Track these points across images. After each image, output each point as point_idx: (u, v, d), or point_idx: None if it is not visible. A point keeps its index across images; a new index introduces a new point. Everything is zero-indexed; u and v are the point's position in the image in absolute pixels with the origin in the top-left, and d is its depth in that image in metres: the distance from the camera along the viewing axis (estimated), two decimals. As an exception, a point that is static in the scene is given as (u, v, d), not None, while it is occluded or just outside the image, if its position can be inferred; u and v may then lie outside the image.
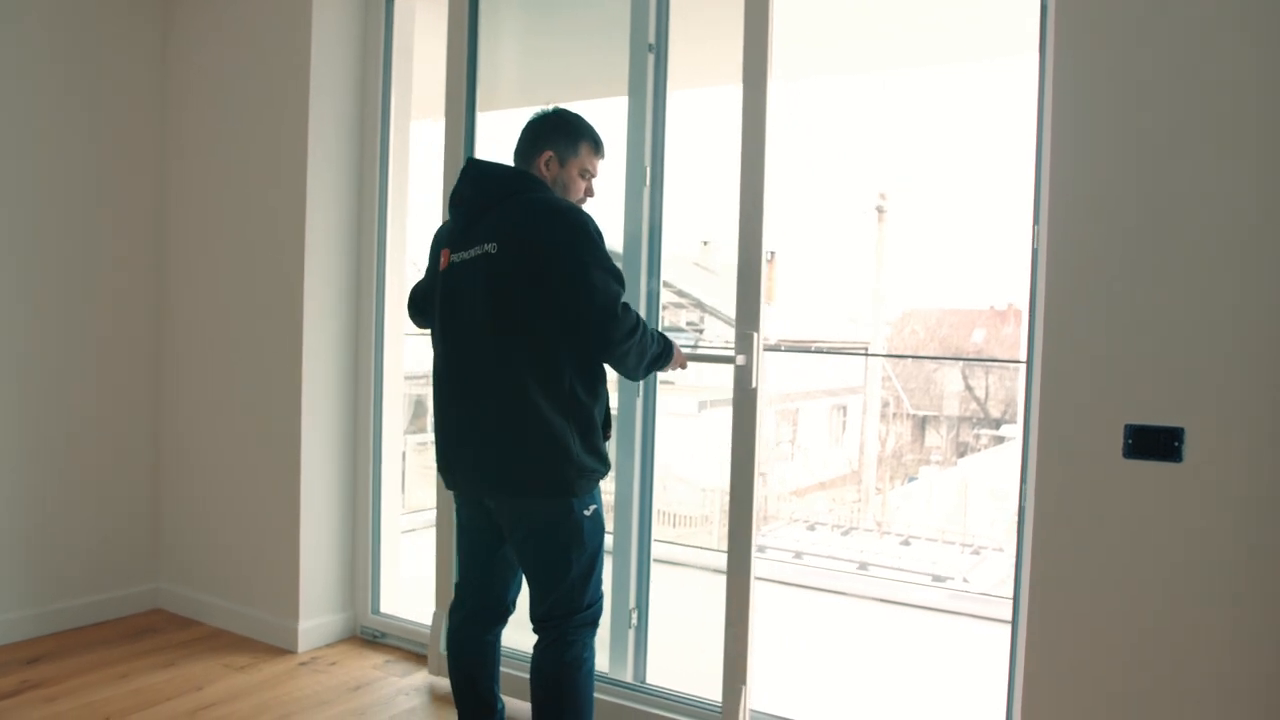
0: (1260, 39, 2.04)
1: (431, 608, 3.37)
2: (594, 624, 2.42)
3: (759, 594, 2.82)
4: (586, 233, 2.25)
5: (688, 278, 14.66)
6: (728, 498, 2.85)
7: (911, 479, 15.89)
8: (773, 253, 15.45)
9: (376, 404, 3.66)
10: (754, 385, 2.69)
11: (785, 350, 14.29)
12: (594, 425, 2.34)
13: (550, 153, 2.42)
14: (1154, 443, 2.16)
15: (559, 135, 2.43)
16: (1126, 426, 2.18)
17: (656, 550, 3.17)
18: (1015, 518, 2.50)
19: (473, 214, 2.35)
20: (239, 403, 3.73)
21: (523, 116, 2.51)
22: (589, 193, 2.51)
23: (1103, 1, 2.19)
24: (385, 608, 3.71)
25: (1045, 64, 2.33)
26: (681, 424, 13.94)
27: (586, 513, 2.35)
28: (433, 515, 6.54)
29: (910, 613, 5.20)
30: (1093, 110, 2.21)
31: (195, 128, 3.86)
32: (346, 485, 3.70)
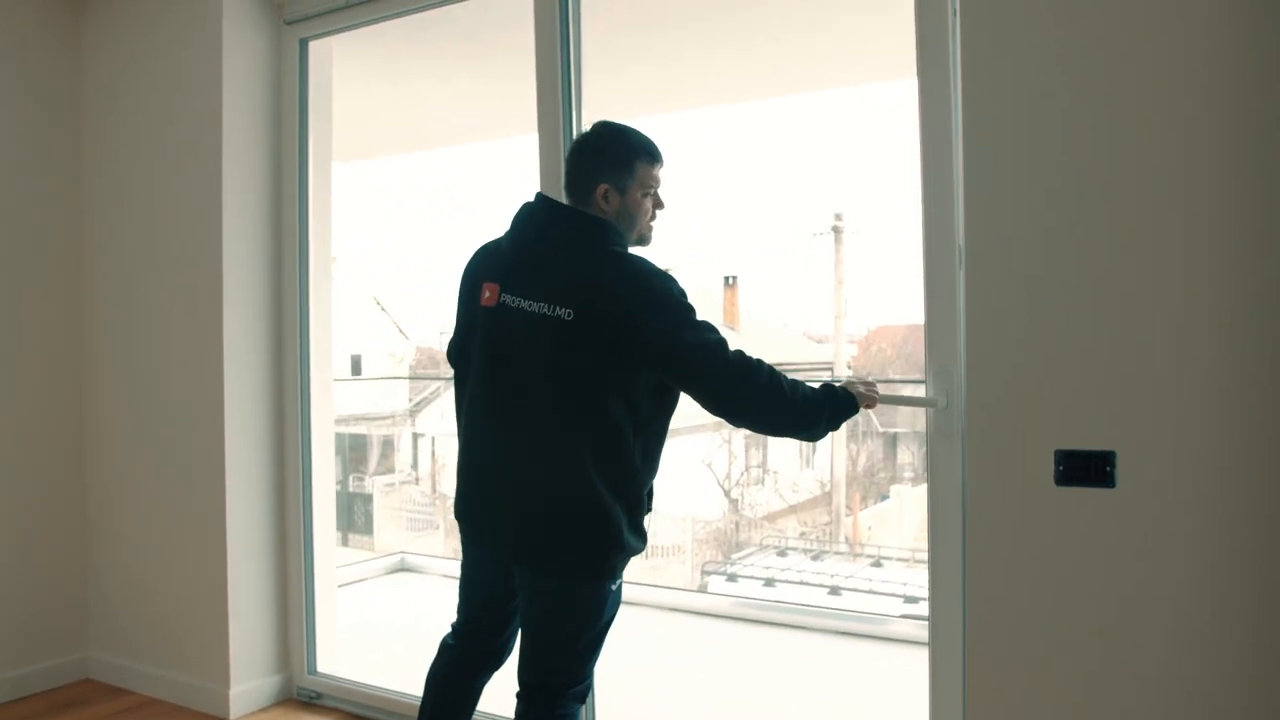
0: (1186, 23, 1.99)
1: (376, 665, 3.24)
2: (583, 698, 2.26)
3: (732, 635, 2.69)
4: (670, 297, 2.06)
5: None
6: (699, 526, 2.68)
7: (884, 497, 15.86)
8: (734, 278, 15.45)
9: (305, 453, 3.54)
10: (958, 429, 2.28)
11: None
12: (642, 501, 2.16)
13: (605, 185, 2.17)
14: (1085, 468, 2.09)
15: (607, 162, 2.18)
16: (1057, 452, 2.11)
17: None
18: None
19: (534, 258, 2.16)
20: (162, 457, 3.60)
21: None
22: (658, 206, 2.26)
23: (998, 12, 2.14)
24: (323, 666, 3.57)
25: (954, 77, 2.27)
26: (651, 452, 13.87)
27: (613, 587, 2.19)
28: (403, 559, 6.48)
29: (880, 648, 5.09)
30: (1000, 116, 2.15)
31: (110, 167, 3.75)
32: (275, 540, 3.57)
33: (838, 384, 2.24)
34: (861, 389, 2.25)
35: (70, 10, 3.80)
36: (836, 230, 12.92)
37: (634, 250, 2.22)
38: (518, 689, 2.24)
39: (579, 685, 2.23)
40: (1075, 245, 2.07)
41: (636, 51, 4.14)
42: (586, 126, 2.41)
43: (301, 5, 3.42)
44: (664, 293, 2.06)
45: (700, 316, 2.08)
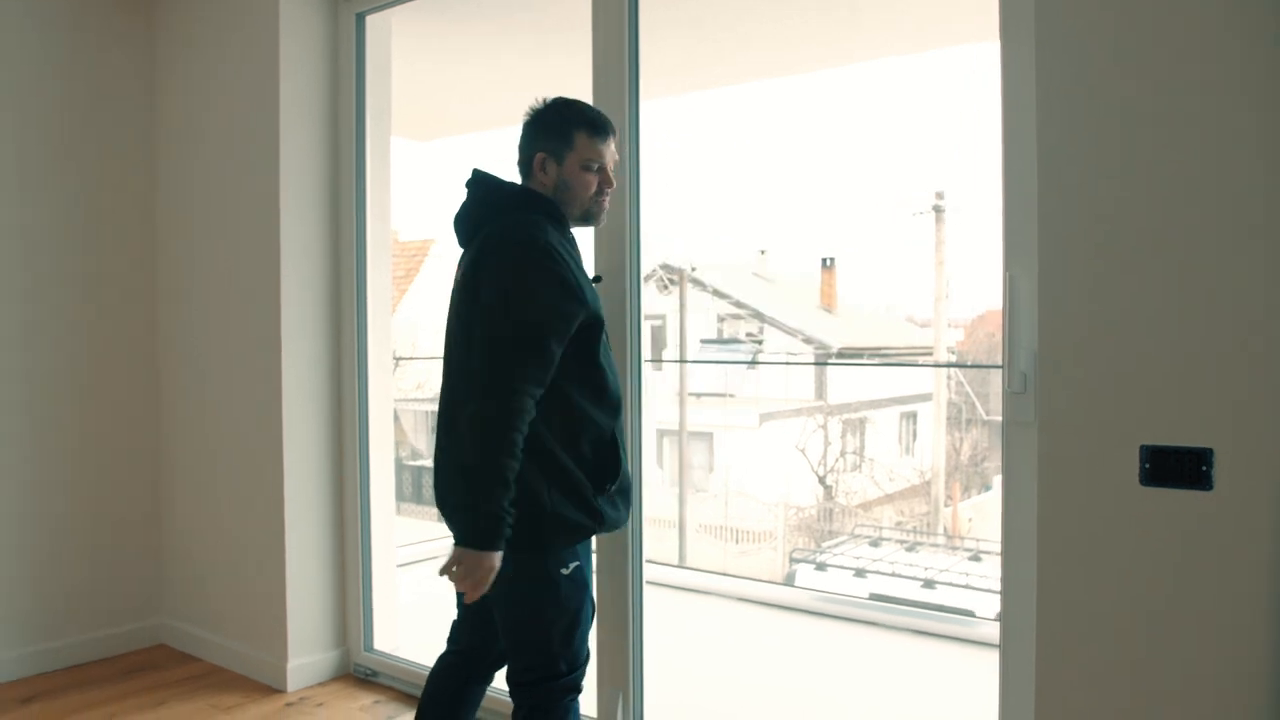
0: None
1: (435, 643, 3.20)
2: (574, 690, 2.17)
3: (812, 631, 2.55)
4: (502, 277, 1.98)
5: (746, 288, 14.42)
6: (791, 513, 2.54)
7: (986, 488, 15.37)
8: (832, 260, 15.12)
9: (362, 432, 3.52)
10: (1034, 418, 2.08)
11: (845, 360, 13.97)
12: (569, 472, 2.05)
13: (542, 154, 2.14)
14: (1177, 467, 1.88)
15: (545, 131, 2.14)
16: (1143, 448, 1.90)
17: (699, 580, 2.94)
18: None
19: (469, 235, 2.17)
20: (227, 434, 3.65)
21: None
22: (605, 184, 2.17)
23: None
24: (380, 645, 3.56)
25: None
26: (742, 437, 13.69)
27: (564, 571, 2.08)
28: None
29: (970, 652, 4.85)
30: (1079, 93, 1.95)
31: (179, 149, 3.81)
32: (334, 518, 3.56)
33: (503, 525, 1.93)
34: (485, 567, 1.93)
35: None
36: (938, 209, 12.49)
37: (578, 229, 2.21)
38: (508, 690, 2.20)
39: (563, 678, 2.13)
40: (1166, 222, 1.86)
41: (707, 19, 3.97)
42: (657, 100, 2.33)
43: (358, -21, 3.38)
44: (499, 269, 1.99)
45: (528, 310, 1.95)
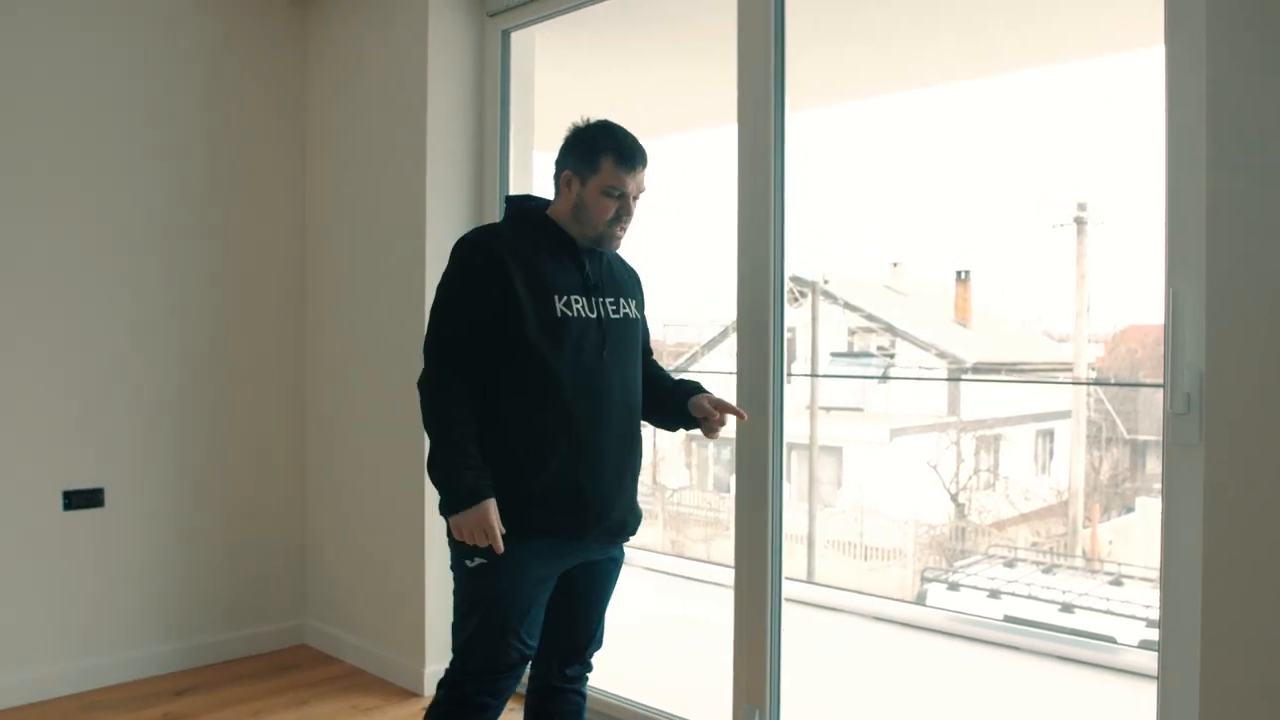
0: None
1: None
2: (452, 684, 2.19)
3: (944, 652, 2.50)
4: (448, 268, 2.20)
5: (877, 301, 14.15)
6: (922, 530, 2.49)
7: (1128, 510, 14.69)
8: (967, 272, 14.71)
9: (501, 442, 3.57)
10: (1198, 439, 1.98)
11: (981, 376, 13.54)
12: (493, 473, 2.12)
13: (569, 172, 2.21)
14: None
15: (574, 150, 2.21)
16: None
17: (828, 596, 2.90)
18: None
19: None
20: (372, 440, 3.75)
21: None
22: (624, 213, 2.21)
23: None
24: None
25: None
26: (872, 453, 13.42)
27: (469, 563, 2.13)
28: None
29: (1111, 680, 4.63)
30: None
31: (329, 156, 3.97)
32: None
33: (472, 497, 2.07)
34: (475, 521, 2.06)
35: (297, 11, 4.01)
36: (1079, 221, 12.01)
37: (618, 251, 2.33)
38: None
39: (450, 668, 2.22)
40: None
41: (848, 31, 3.93)
42: (790, 114, 2.32)
43: (504, -3, 3.45)
44: (450, 261, 2.21)
45: (451, 297, 2.16)
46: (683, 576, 6.71)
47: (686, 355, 13.66)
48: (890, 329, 13.69)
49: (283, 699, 3.51)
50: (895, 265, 14.59)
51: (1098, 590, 9.45)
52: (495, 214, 3.55)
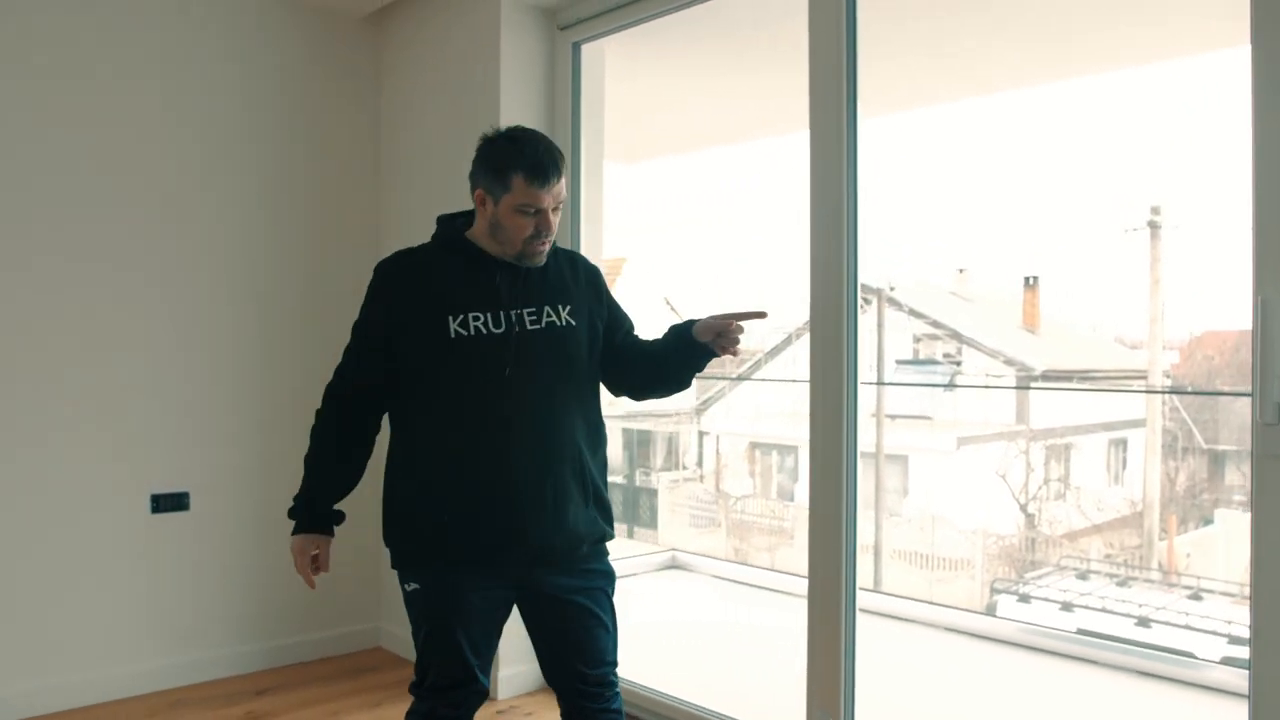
0: None
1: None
2: (416, 697, 2.22)
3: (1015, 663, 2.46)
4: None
5: (943, 308, 13.98)
6: (990, 541, 2.43)
7: (1206, 522, 14.32)
8: (1035, 278, 14.48)
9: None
10: None
11: (1051, 384, 13.30)
12: (392, 501, 2.26)
13: (480, 191, 2.12)
14: None
15: (484, 169, 2.11)
16: None
17: (897, 606, 2.88)
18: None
19: None
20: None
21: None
22: (543, 228, 2.09)
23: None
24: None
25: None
26: (939, 462, 13.26)
27: (405, 587, 2.20)
28: (674, 556, 6.52)
29: (1193, 696, 4.52)
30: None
31: (402, 166, 4.06)
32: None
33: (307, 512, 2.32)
34: (292, 548, 2.31)
35: (373, 25, 4.11)
36: (1153, 225, 11.76)
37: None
38: None
39: (414, 681, 2.25)
40: None
41: (915, 39, 3.92)
42: (862, 120, 2.27)
43: (574, 10, 3.50)
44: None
45: (354, 328, 2.25)
46: (746, 584, 6.69)
47: (749, 363, 13.63)
48: (956, 336, 13.52)
49: (359, 700, 3.58)
50: (961, 271, 14.41)
51: (1176, 604, 9.22)
52: (567, 227, 3.59)
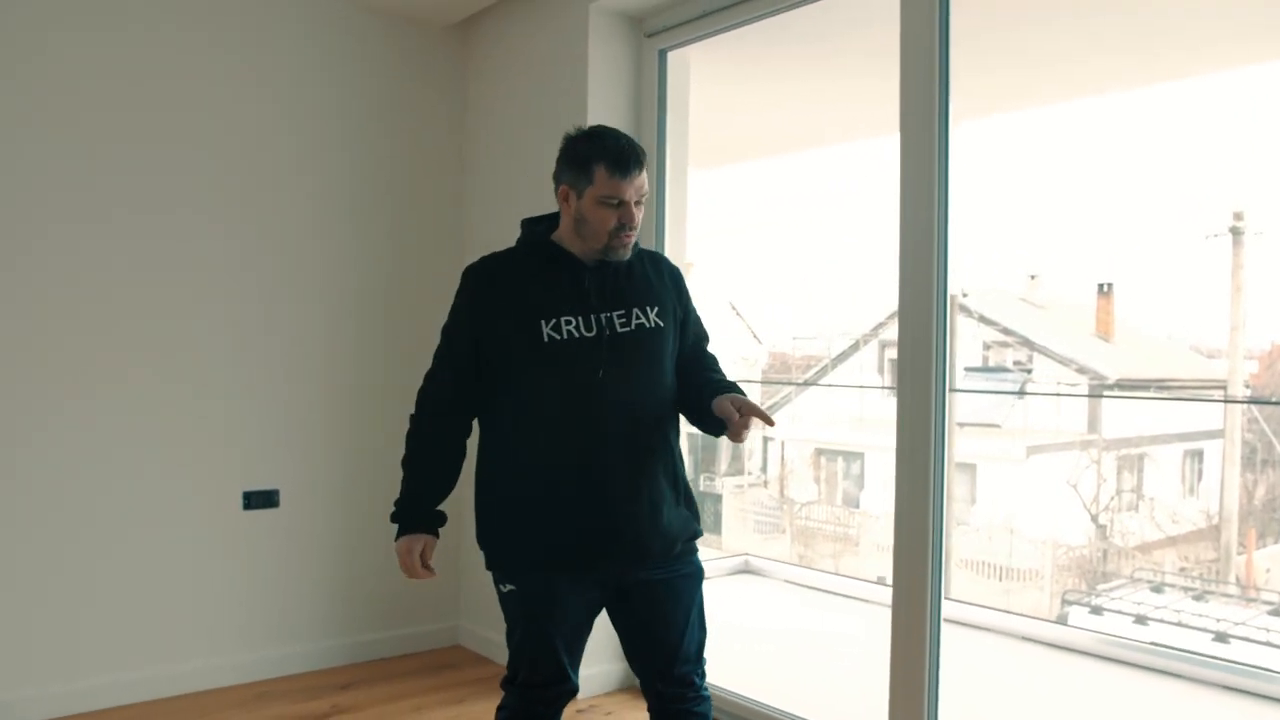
0: None
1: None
2: (507, 691, 2.28)
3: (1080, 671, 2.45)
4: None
5: (1013, 314, 13.79)
6: (1060, 552, 2.42)
7: (1286, 537, 13.92)
8: (1110, 285, 14.21)
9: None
10: None
11: (1126, 393, 13.04)
12: (487, 504, 2.25)
13: (565, 186, 2.14)
14: None
15: (566, 163, 2.14)
16: None
17: (968, 614, 2.85)
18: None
19: None
20: (526, 449, 3.86)
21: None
22: (626, 221, 2.10)
23: None
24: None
25: None
26: (1008, 471, 13.06)
27: (500, 589, 2.24)
28: (747, 560, 6.51)
29: (1277, 710, 4.43)
30: None
31: (485, 170, 4.13)
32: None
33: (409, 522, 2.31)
34: (398, 550, 2.31)
35: (460, 33, 4.19)
36: (1235, 231, 11.47)
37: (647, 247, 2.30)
38: None
39: (505, 677, 2.30)
40: None
41: (1003, 45, 3.90)
42: (961, 123, 2.27)
43: (661, 18, 3.54)
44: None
45: (444, 332, 2.28)
46: (817, 589, 6.67)
47: (815, 368, 13.59)
48: (1027, 343, 13.33)
49: (441, 696, 3.65)
50: (1033, 278, 14.20)
51: (1255, 620, 8.99)
52: (651, 233, 3.62)
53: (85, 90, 3.39)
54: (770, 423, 2.16)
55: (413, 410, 2.30)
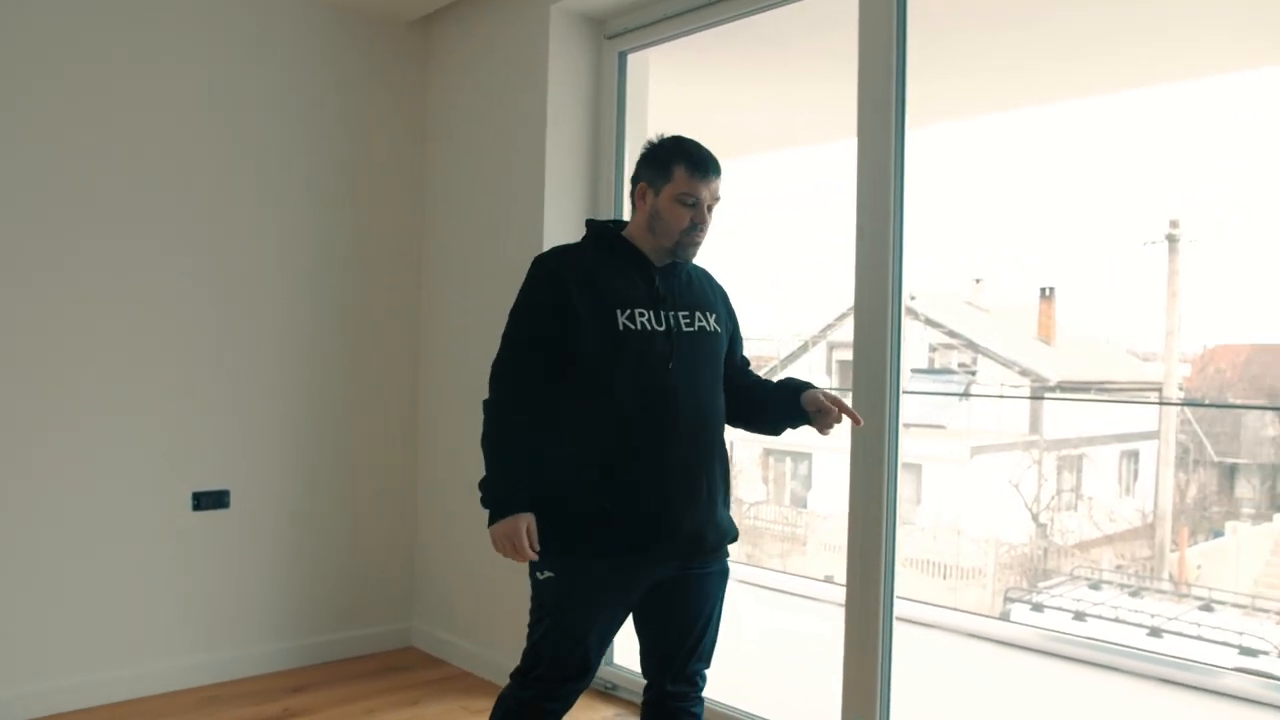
0: None
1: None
2: (518, 684, 2.29)
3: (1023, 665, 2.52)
4: (521, 287, 2.29)
5: (959, 317, 14.01)
6: (1002, 550, 2.49)
7: (1216, 534, 14.32)
8: (1051, 289, 14.49)
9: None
10: None
11: (1066, 395, 13.33)
12: (549, 487, 2.19)
13: (643, 184, 2.26)
14: None
15: (648, 163, 2.26)
16: None
17: (914, 611, 2.91)
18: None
19: None
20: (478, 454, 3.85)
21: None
22: (699, 221, 2.21)
23: None
24: (619, 659, 3.67)
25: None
26: (952, 471, 13.26)
27: (539, 575, 2.23)
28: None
29: (1209, 702, 4.56)
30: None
31: (447, 169, 4.11)
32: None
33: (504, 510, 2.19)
34: (503, 533, 2.18)
35: (419, 31, 4.17)
36: (1171, 239, 11.79)
37: (696, 262, 2.34)
38: None
39: (519, 668, 2.30)
40: None
41: (952, 53, 3.97)
42: (910, 130, 2.34)
43: (622, 21, 3.56)
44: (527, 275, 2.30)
45: (517, 316, 2.27)
46: (766, 587, 6.73)
47: (766, 369, 13.68)
48: (972, 346, 13.56)
49: (395, 698, 3.63)
50: (978, 282, 14.45)
51: (1187, 615, 9.25)
52: (609, 231, 3.64)
53: (27, 91, 3.31)
54: (859, 421, 2.29)
55: (490, 394, 2.27)
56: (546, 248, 3.51)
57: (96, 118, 3.44)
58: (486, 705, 3.51)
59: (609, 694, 3.64)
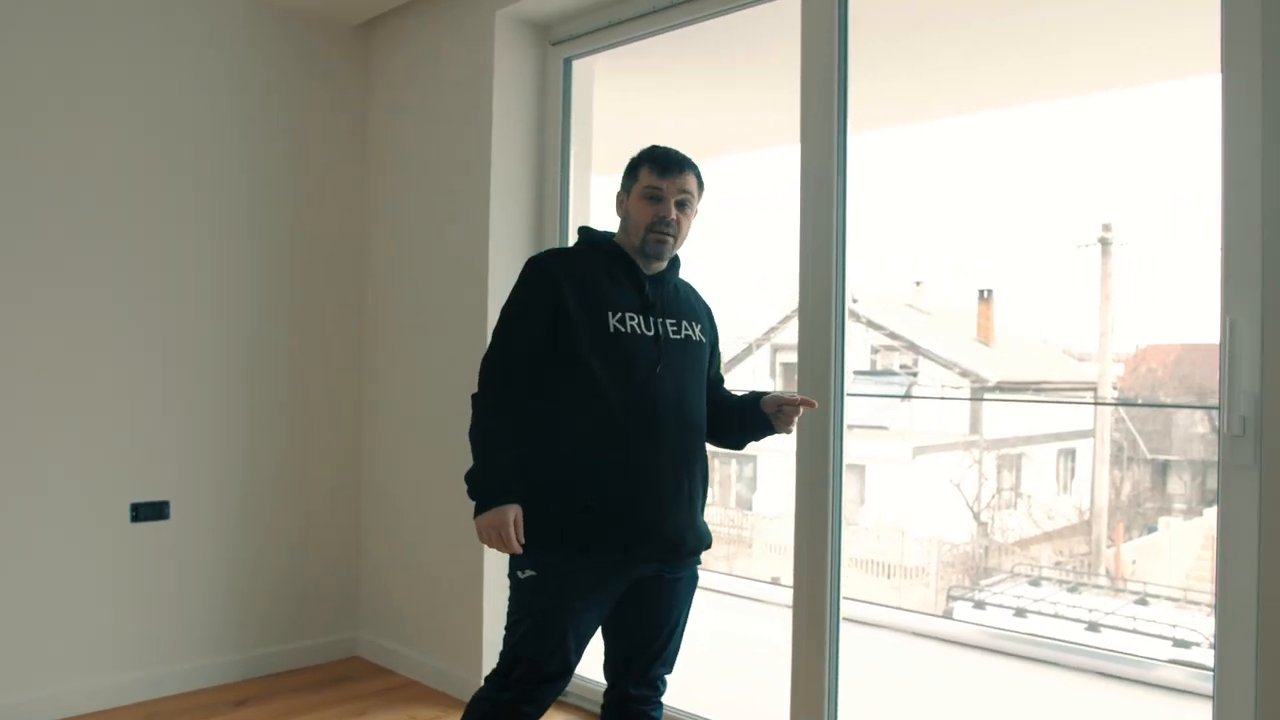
0: None
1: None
2: (495, 686, 2.26)
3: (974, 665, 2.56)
4: (513, 287, 2.30)
5: (900, 320, 14.20)
6: (945, 549, 2.55)
7: (1150, 530, 14.64)
8: (990, 292, 14.74)
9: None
10: (1255, 460, 2.09)
11: (1005, 395, 13.55)
12: (534, 486, 2.20)
13: (620, 191, 2.37)
14: None
15: (624, 173, 2.37)
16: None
17: (859, 611, 2.95)
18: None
19: None
20: (428, 454, 3.83)
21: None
22: (663, 215, 2.26)
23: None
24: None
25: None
26: (895, 471, 13.43)
27: (520, 574, 2.23)
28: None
29: (1144, 693, 4.68)
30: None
31: (390, 172, 4.08)
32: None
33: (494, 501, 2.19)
34: (490, 524, 2.17)
35: (363, 35, 4.13)
36: (1104, 242, 12.06)
37: (682, 267, 2.41)
38: None
39: (496, 669, 2.27)
40: None
41: (895, 58, 4.04)
42: (852, 135, 2.40)
43: (567, 27, 3.56)
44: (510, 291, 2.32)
45: (509, 314, 2.27)
46: (710, 590, 6.76)
47: (709, 372, 13.65)
48: (913, 347, 13.75)
49: (341, 709, 3.59)
50: (918, 284, 14.66)
51: (1123, 609, 9.45)
52: (555, 237, 3.64)
53: (-40, 86, 3.23)
54: (813, 404, 2.35)
55: (479, 388, 2.26)
56: (491, 252, 3.53)
57: (19, 119, 3.35)
58: (435, 715, 3.51)
59: (560, 701, 3.63)
